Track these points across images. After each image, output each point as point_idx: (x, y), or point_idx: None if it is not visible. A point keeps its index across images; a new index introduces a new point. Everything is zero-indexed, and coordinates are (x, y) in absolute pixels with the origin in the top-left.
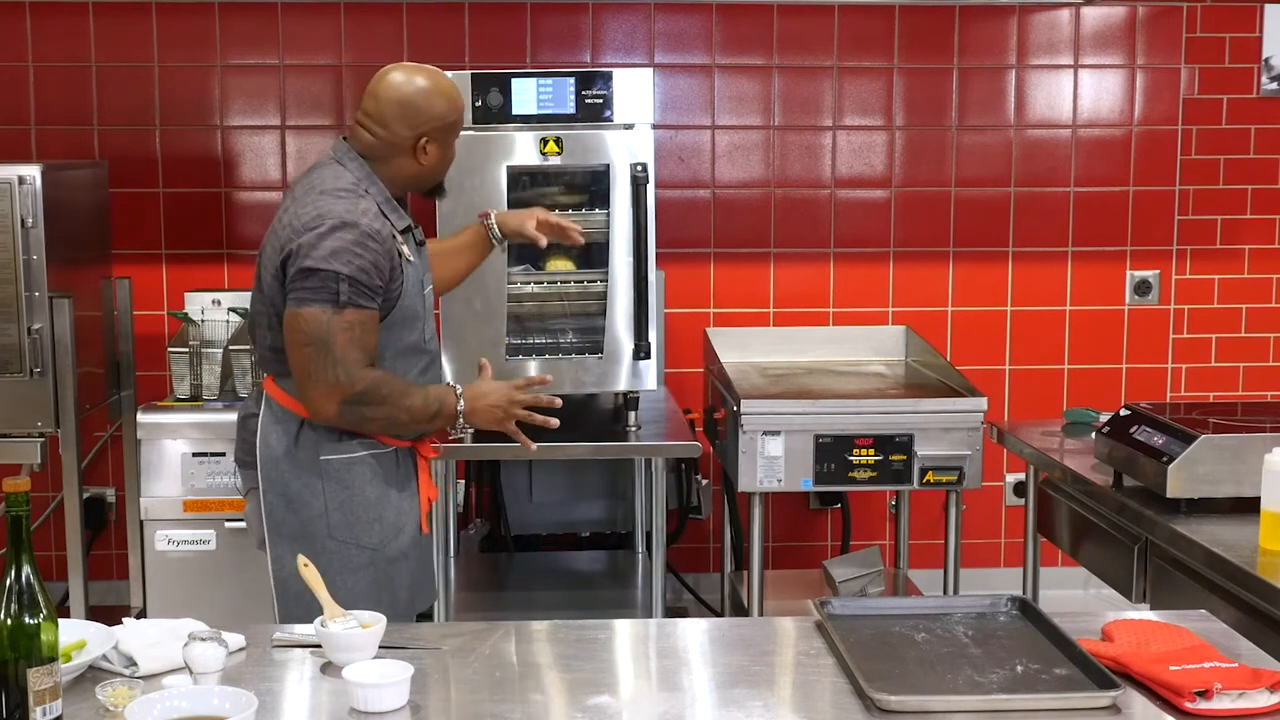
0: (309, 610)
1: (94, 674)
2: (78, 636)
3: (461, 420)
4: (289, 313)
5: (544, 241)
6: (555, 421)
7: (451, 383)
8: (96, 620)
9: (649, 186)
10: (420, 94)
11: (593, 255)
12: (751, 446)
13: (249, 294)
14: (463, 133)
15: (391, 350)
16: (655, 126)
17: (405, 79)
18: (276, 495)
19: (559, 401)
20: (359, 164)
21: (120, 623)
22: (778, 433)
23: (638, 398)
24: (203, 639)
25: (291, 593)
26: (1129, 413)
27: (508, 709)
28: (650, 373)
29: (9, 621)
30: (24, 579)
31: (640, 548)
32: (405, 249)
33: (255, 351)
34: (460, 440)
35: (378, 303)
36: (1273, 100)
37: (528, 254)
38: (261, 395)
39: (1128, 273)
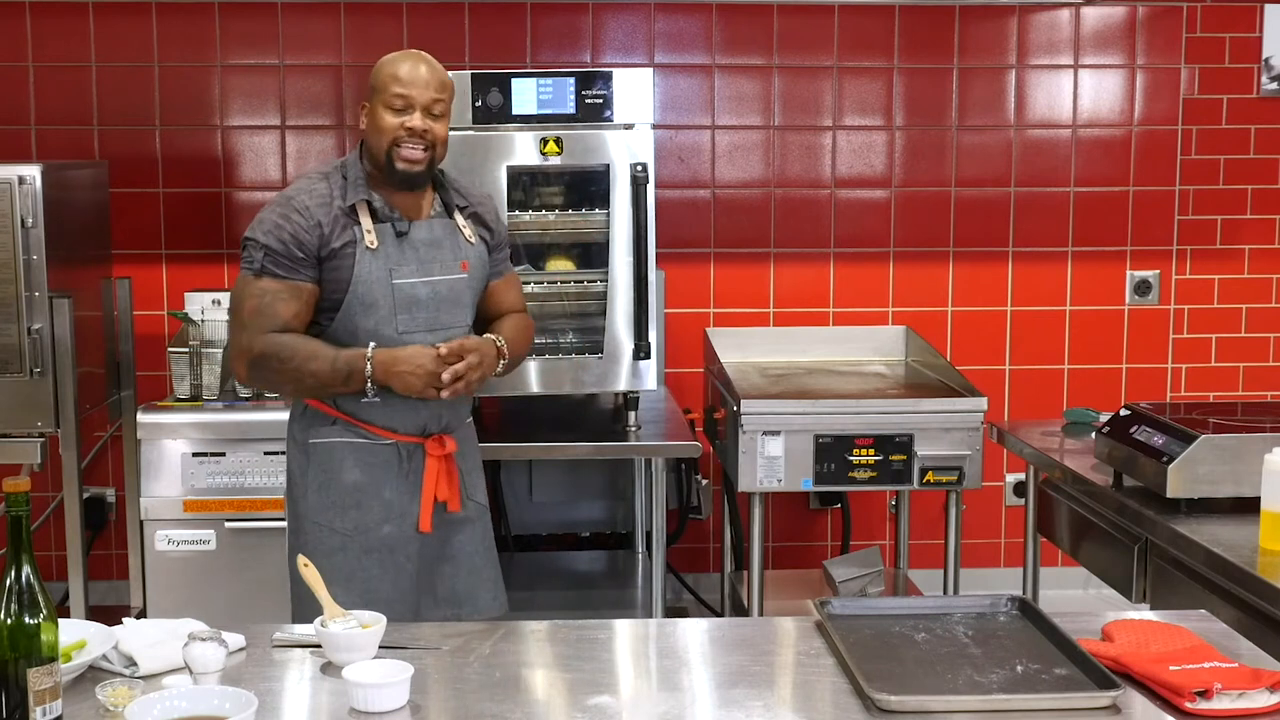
0: (330, 564)
1: (94, 674)
2: (78, 636)
3: (370, 383)
4: None
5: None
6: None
7: (366, 348)
8: (96, 620)
9: (649, 186)
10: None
11: (593, 255)
12: (751, 446)
13: None
14: (463, 132)
15: (357, 339)
16: (655, 126)
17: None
18: (287, 471)
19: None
20: (355, 149)
21: (120, 623)
22: (778, 433)
23: (638, 398)
24: (203, 639)
25: (295, 577)
26: (1129, 413)
27: (508, 709)
28: (650, 373)
29: (9, 621)
30: (24, 579)
31: (640, 548)
32: (369, 235)
33: None
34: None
35: (305, 275)
36: (1273, 100)
37: (528, 254)
38: None
39: (1128, 273)
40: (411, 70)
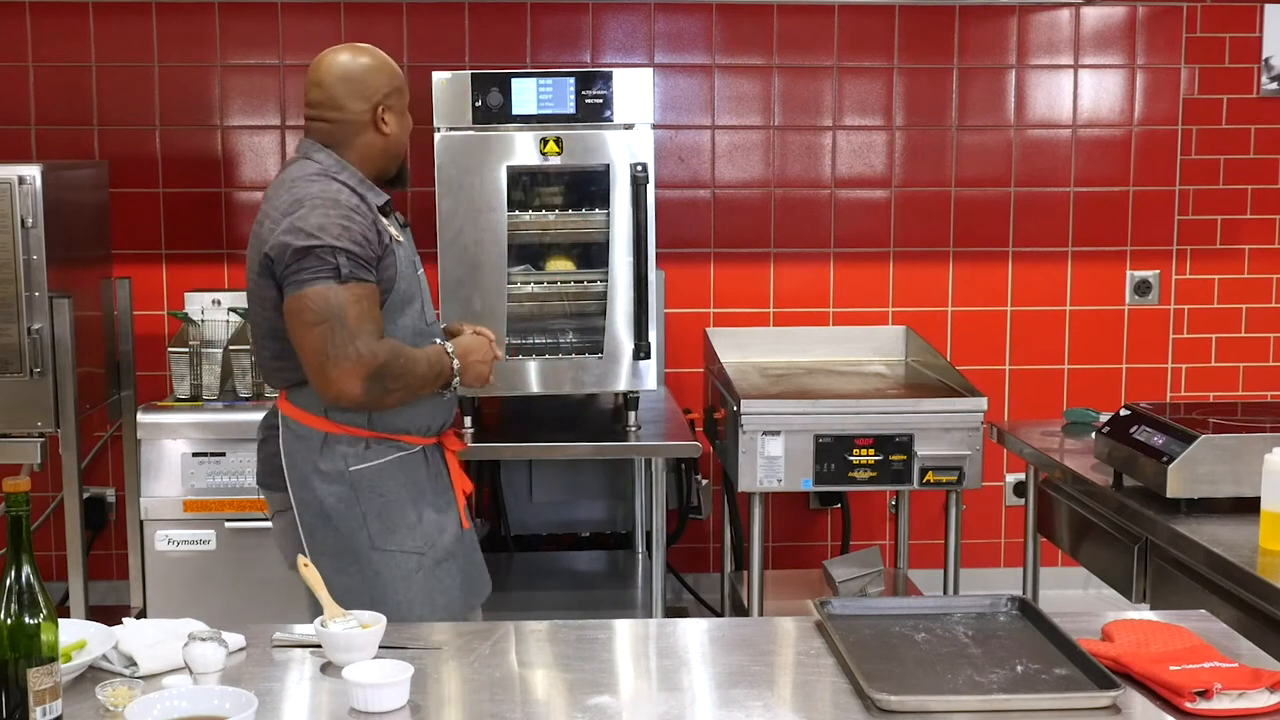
0: (409, 587)
1: (94, 674)
2: (78, 636)
3: (457, 380)
4: (291, 298)
5: None
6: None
7: (440, 342)
8: (96, 620)
9: (649, 186)
10: (363, 68)
11: (593, 255)
12: (751, 446)
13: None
14: (463, 132)
15: (397, 336)
16: (655, 126)
17: (343, 59)
18: (313, 515)
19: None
20: (326, 153)
21: (120, 623)
22: (778, 433)
23: (638, 398)
24: (203, 639)
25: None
26: (1129, 413)
27: (508, 709)
28: (650, 373)
29: (9, 621)
30: (24, 579)
31: (640, 548)
32: (391, 228)
33: (260, 368)
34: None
35: (376, 276)
36: (1273, 100)
37: (528, 254)
38: (277, 416)
39: (1128, 273)
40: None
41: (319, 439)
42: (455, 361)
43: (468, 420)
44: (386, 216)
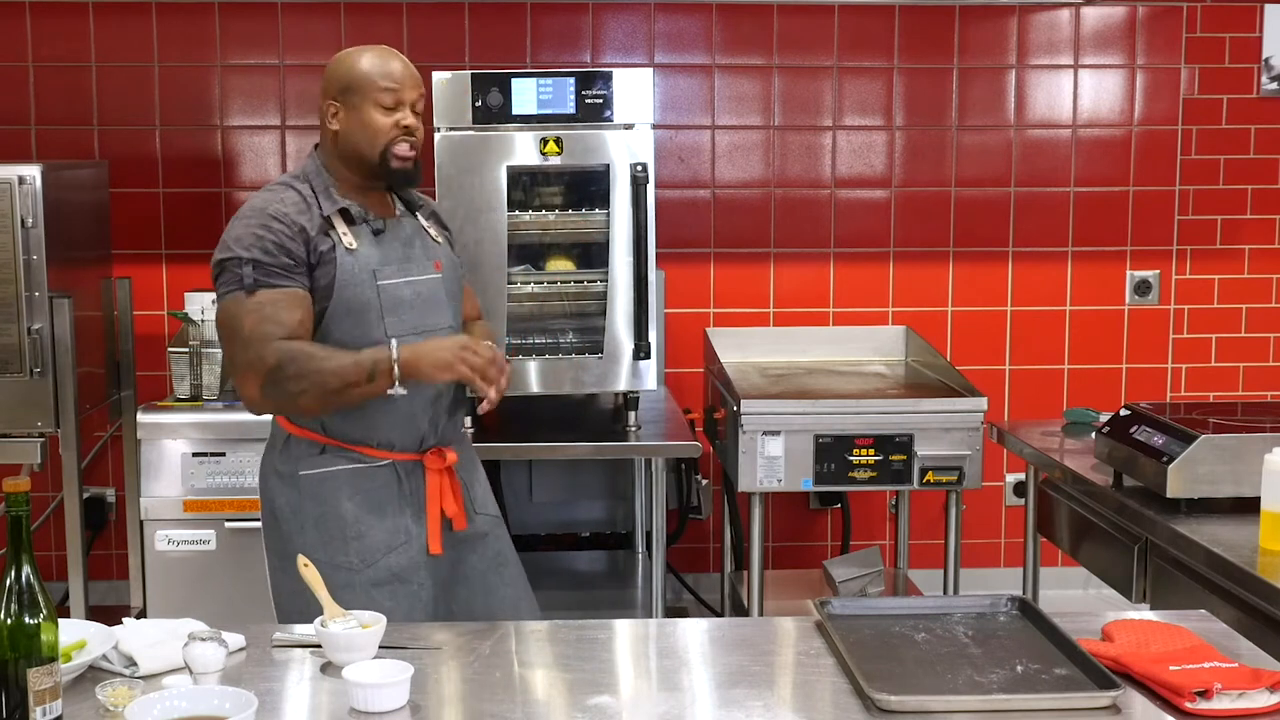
0: (340, 601)
1: (94, 674)
2: (78, 636)
3: (398, 371)
4: (215, 314)
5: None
6: (492, 394)
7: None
8: (96, 620)
9: (649, 186)
10: (331, 64)
11: (593, 255)
12: (751, 446)
13: None
14: (463, 132)
15: (346, 345)
16: (655, 126)
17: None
18: (266, 513)
19: (504, 383)
20: (314, 156)
21: (120, 623)
22: (778, 433)
23: (638, 398)
24: (203, 639)
25: (285, 611)
26: (1129, 413)
27: (508, 709)
28: (650, 373)
29: (9, 621)
30: (24, 579)
31: (640, 548)
32: (345, 236)
33: None
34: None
35: (300, 282)
36: (1273, 100)
37: (528, 254)
38: None
39: (1128, 273)
40: (402, 68)
41: (281, 439)
42: (394, 354)
43: (468, 420)
44: (353, 224)
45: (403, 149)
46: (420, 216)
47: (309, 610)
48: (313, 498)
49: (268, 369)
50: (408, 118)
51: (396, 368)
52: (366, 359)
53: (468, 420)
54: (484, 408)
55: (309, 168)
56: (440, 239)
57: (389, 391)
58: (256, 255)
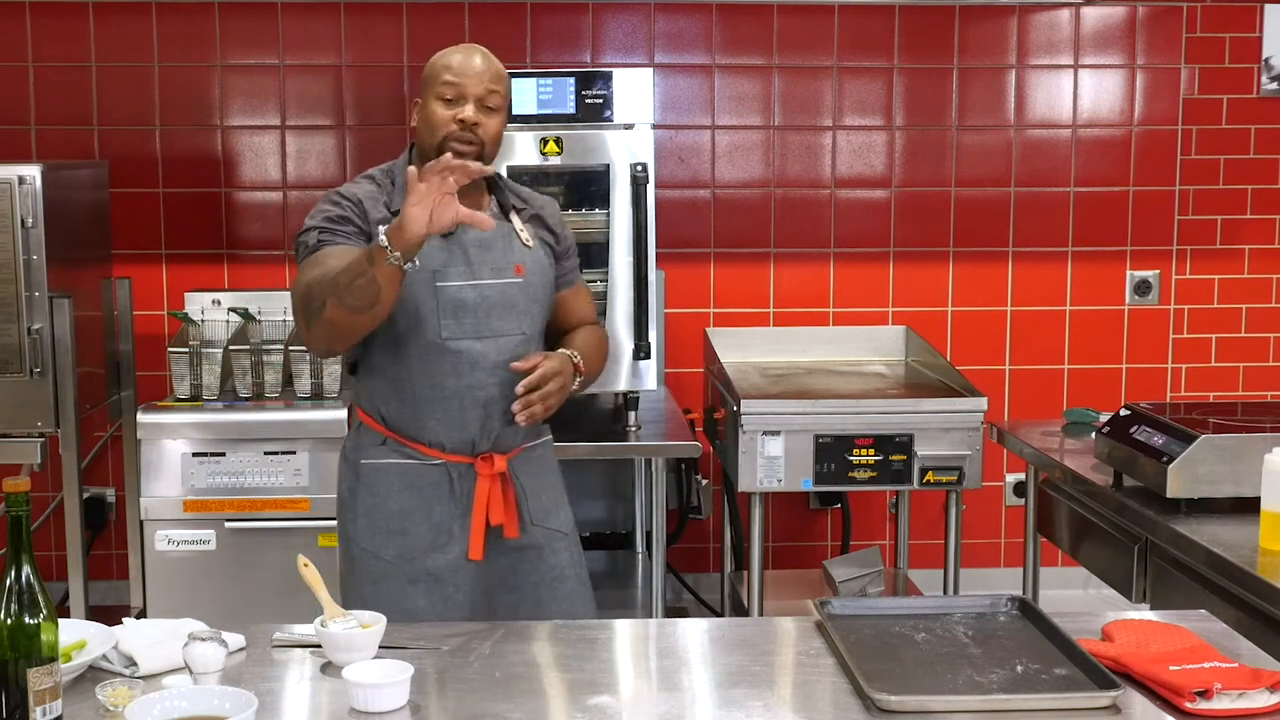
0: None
1: (94, 674)
2: (78, 636)
3: (387, 242)
4: None
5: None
6: (474, 166)
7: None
8: (96, 620)
9: (649, 186)
10: None
11: (593, 255)
12: (751, 446)
13: (249, 294)
14: None
15: (404, 346)
16: (655, 126)
17: None
18: (337, 496)
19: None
20: (405, 153)
21: (120, 623)
22: (778, 433)
23: (638, 398)
24: (203, 639)
25: (347, 597)
26: (1129, 413)
27: (508, 709)
28: (650, 373)
29: (9, 621)
30: (24, 579)
31: (640, 548)
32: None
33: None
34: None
35: (363, 241)
36: (1273, 100)
37: None
38: None
39: (1128, 273)
40: (464, 60)
41: (355, 425)
42: (381, 236)
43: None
44: None
45: (458, 146)
46: (517, 219)
47: (379, 596)
48: (368, 487)
49: (300, 299)
50: (465, 111)
51: (383, 237)
52: (362, 251)
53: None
54: (522, 420)
55: (399, 163)
56: (534, 242)
57: (390, 263)
58: (321, 222)
